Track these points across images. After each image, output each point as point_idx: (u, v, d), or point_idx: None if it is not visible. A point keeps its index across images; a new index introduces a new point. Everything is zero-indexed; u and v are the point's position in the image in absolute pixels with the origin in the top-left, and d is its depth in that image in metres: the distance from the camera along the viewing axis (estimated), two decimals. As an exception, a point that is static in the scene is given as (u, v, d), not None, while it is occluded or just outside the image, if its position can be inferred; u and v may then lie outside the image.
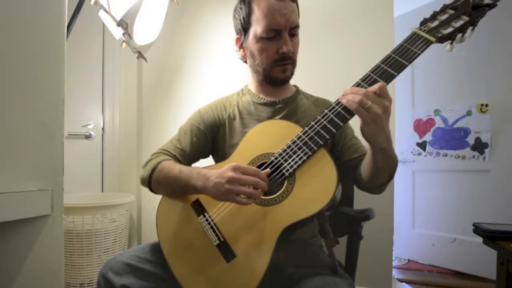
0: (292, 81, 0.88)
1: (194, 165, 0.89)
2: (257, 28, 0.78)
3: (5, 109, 0.51)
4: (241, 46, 0.86)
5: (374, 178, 0.70)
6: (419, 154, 2.19)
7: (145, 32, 1.24)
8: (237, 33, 0.86)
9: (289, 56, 0.79)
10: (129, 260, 0.71)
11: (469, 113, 1.97)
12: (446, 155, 2.06)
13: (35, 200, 0.52)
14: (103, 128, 1.86)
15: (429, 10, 0.69)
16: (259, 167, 0.69)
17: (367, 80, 0.63)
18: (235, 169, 0.61)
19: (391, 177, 0.71)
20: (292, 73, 0.83)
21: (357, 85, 0.64)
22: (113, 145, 1.89)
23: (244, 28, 0.82)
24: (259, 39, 0.78)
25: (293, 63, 0.82)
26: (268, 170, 0.65)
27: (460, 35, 0.64)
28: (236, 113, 0.86)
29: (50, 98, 0.56)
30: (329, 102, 0.90)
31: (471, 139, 1.95)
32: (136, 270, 0.71)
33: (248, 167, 0.62)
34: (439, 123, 2.10)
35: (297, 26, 0.79)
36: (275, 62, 0.79)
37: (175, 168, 0.74)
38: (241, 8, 0.81)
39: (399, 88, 2.15)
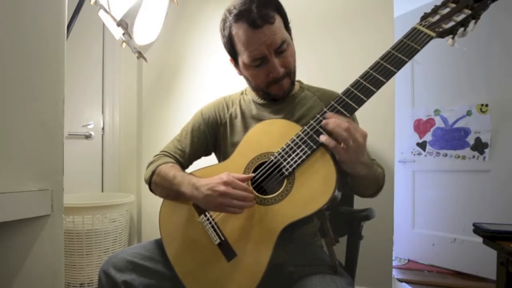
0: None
1: (196, 163, 0.90)
2: (243, 58, 0.77)
3: (5, 109, 0.51)
4: (235, 66, 0.86)
5: (360, 192, 0.76)
6: (419, 154, 2.19)
7: (145, 32, 1.24)
8: (228, 55, 0.85)
9: (281, 76, 0.77)
10: (131, 257, 0.72)
11: (469, 113, 1.97)
12: (446, 155, 2.06)
13: (35, 200, 0.52)
14: (103, 128, 1.86)
15: (429, 9, 0.68)
16: (258, 166, 0.69)
17: (366, 78, 0.63)
18: (226, 183, 0.63)
19: (378, 190, 0.76)
20: (291, 84, 0.82)
21: (356, 82, 0.64)
22: (113, 145, 1.89)
23: (232, 55, 0.82)
24: (248, 67, 0.78)
25: (290, 76, 0.80)
26: (252, 175, 0.67)
27: (462, 29, 0.63)
28: (238, 112, 0.86)
29: (50, 98, 0.56)
30: (335, 94, 0.85)
31: (471, 139, 1.95)
32: (138, 267, 0.72)
33: (238, 183, 0.64)
34: (439, 123, 2.10)
35: (282, 43, 0.74)
36: (269, 84, 0.79)
37: (170, 173, 0.76)
38: (223, 36, 0.80)
39: (399, 88, 2.15)
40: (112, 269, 0.70)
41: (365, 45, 1.34)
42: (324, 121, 0.62)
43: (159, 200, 0.80)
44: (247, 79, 0.83)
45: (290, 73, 0.79)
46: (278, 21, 0.74)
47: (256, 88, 0.84)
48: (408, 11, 2.08)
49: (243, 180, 0.65)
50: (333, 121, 0.60)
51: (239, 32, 0.74)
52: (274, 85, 0.78)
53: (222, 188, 0.63)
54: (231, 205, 0.62)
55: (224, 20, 0.77)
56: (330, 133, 0.61)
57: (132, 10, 1.08)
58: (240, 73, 0.85)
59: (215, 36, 1.69)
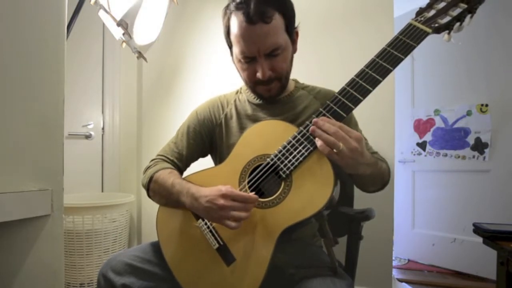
0: (292, 77, 0.86)
1: (193, 164, 0.89)
2: (235, 50, 0.76)
3: (5, 109, 0.51)
4: (231, 55, 0.84)
5: (365, 188, 0.76)
6: (419, 154, 2.19)
7: (145, 32, 1.24)
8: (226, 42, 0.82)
9: (269, 79, 0.75)
10: (130, 260, 0.72)
11: (469, 113, 1.97)
12: (446, 155, 2.06)
13: (35, 200, 0.52)
14: (103, 128, 1.86)
15: (428, 10, 0.68)
16: (255, 169, 0.68)
17: (362, 76, 0.62)
18: (224, 196, 0.62)
19: (384, 185, 0.76)
20: (281, 88, 0.80)
21: (351, 82, 0.63)
22: (113, 145, 1.89)
23: (228, 43, 0.80)
24: (238, 60, 0.77)
25: (280, 80, 0.77)
26: (256, 197, 0.63)
27: (458, 24, 0.62)
28: (233, 113, 0.85)
29: (50, 98, 0.56)
30: (331, 93, 0.85)
31: (471, 139, 1.95)
32: (137, 270, 0.71)
33: (237, 193, 0.62)
34: (439, 123, 2.10)
35: (275, 49, 0.71)
36: (256, 83, 0.77)
37: (168, 180, 0.74)
38: (223, 23, 0.78)
39: (399, 88, 2.15)
40: (111, 272, 0.70)
41: (365, 45, 1.34)
42: (311, 128, 0.61)
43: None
44: (238, 72, 0.82)
45: (281, 77, 0.77)
46: (277, 22, 0.70)
47: (244, 83, 0.83)
48: (408, 11, 2.08)
49: (245, 198, 0.62)
50: (322, 124, 0.60)
51: (235, 23, 0.72)
52: (261, 86, 0.77)
53: (221, 202, 0.62)
54: (230, 217, 0.61)
55: (227, 6, 0.75)
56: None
57: (132, 10, 1.08)
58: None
59: (215, 36, 1.70)
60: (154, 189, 0.78)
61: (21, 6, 0.53)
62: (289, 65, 0.79)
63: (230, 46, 0.80)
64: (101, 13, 1.13)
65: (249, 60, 0.74)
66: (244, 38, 0.71)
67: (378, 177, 0.72)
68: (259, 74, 0.74)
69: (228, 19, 0.74)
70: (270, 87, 0.77)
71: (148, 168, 0.82)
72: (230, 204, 0.61)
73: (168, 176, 0.76)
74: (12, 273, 0.54)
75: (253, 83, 0.78)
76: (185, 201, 0.69)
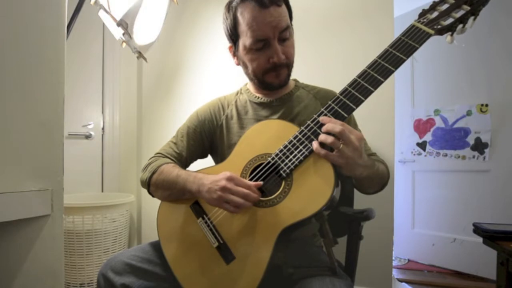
0: (292, 76, 0.86)
1: (192, 165, 0.89)
2: (245, 39, 0.76)
3: (5, 109, 0.51)
4: (234, 54, 0.85)
5: (364, 190, 0.78)
6: (419, 154, 2.19)
7: (145, 32, 1.24)
8: (229, 41, 0.84)
9: (281, 64, 0.77)
10: (130, 260, 0.72)
11: (469, 113, 1.97)
12: (446, 155, 2.06)
13: (35, 200, 0.52)
14: (103, 128, 1.86)
15: (429, 10, 0.68)
16: (256, 168, 0.68)
17: (364, 77, 0.62)
18: (229, 179, 0.63)
19: (383, 186, 0.77)
20: (288, 76, 0.82)
21: (353, 82, 0.63)
22: (113, 145, 1.89)
23: (233, 39, 0.81)
24: (248, 50, 0.77)
25: (288, 66, 0.80)
26: (261, 182, 0.65)
27: (460, 25, 0.62)
28: (234, 113, 0.86)
29: (50, 98, 0.56)
30: (330, 93, 0.88)
31: (471, 139, 1.95)
32: (136, 269, 0.71)
33: (242, 180, 0.64)
34: (439, 123, 2.10)
35: (287, 28, 0.75)
36: (267, 70, 0.78)
37: (173, 171, 0.75)
38: (226, 18, 0.79)
39: (399, 88, 2.15)
40: (110, 272, 0.70)
41: (365, 44, 1.34)
42: (321, 119, 0.62)
43: (159, 200, 0.80)
44: (245, 66, 0.82)
45: (289, 64, 0.80)
46: (284, 8, 0.75)
47: (252, 75, 0.82)
48: (408, 11, 2.08)
49: (247, 186, 0.64)
50: (325, 126, 0.61)
51: (244, 11, 0.73)
52: (272, 72, 0.78)
53: (223, 182, 0.63)
54: (229, 200, 0.62)
55: (230, 2, 0.77)
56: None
57: (132, 10, 1.08)
58: (238, 63, 0.84)
59: (215, 36, 1.70)
60: (157, 182, 0.77)
61: (21, 6, 0.53)
62: (294, 53, 0.81)
63: (235, 41, 0.80)
64: (101, 13, 1.13)
65: (261, 46, 0.75)
66: (258, 22, 0.73)
67: (376, 180, 0.72)
68: (274, 58, 0.75)
69: (235, 12, 0.76)
70: (280, 73, 0.78)
71: (148, 164, 0.82)
72: (230, 187, 0.62)
73: (173, 168, 0.76)
74: (12, 273, 0.54)
75: (263, 72, 0.79)
76: (191, 187, 0.70)
